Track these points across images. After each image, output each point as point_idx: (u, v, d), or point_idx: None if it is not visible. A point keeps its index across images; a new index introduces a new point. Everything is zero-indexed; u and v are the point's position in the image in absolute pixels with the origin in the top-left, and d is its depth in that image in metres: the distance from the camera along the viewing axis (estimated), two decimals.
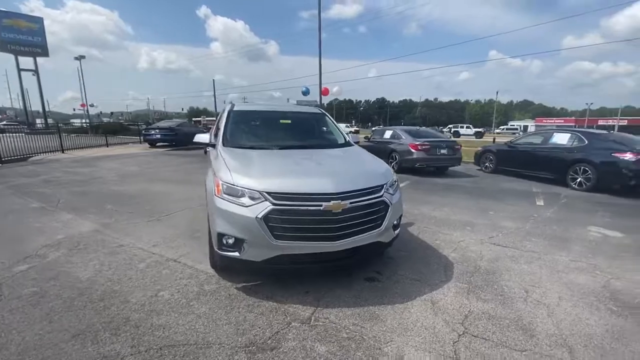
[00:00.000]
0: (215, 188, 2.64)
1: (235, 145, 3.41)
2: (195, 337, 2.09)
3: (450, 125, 47.82)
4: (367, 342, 2.10)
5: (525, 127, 68.41)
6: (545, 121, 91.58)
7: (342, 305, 2.52)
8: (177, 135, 15.65)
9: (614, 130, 30.55)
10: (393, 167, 8.44)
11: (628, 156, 6.30)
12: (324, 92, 16.46)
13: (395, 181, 3.02)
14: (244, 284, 2.76)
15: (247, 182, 2.53)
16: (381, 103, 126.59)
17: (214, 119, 11.88)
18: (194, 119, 56.01)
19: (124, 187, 6.78)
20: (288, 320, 2.30)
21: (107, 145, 16.31)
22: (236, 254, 2.54)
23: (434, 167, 9.23)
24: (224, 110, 4.18)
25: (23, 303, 2.42)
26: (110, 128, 23.17)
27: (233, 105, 4.16)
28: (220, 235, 2.56)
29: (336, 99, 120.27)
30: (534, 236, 4.12)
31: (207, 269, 3.02)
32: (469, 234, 4.15)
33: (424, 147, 8.62)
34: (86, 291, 2.59)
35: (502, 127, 74.39)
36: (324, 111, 4.66)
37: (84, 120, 40.21)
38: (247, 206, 2.44)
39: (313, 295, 2.63)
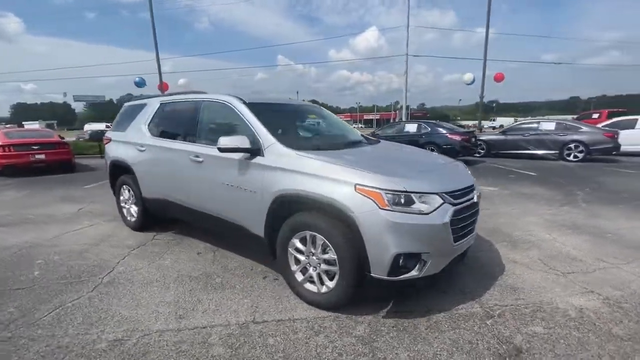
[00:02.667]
0: (373, 200, 1.99)
1: (306, 148, 2.56)
2: None
3: None
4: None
5: None
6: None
7: (485, 285, 2.62)
8: None
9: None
10: None
11: (455, 137, 9.32)
12: (164, 87, 13.67)
13: None
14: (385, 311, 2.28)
15: (417, 186, 2.08)
16: None
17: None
18: None
19: None
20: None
21: None
22: (414, 273, 2.06)
23: None
24: (222, 103, 2.97)
25: None
26: None
27: (242, 99, 2.96)
28: (398, 257, 1.99)
29: (129, 95, 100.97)
30: None
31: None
32: None
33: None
34: None
35: None
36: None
37: None
38: (427, 213, 2.03)
39: (469, 295, 2.54)
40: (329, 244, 2.18)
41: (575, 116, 23.29)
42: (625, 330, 2.08)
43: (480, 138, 11.58)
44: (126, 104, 4.39)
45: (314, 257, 2.32)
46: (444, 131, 9.77)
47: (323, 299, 2.29)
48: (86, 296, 2.57)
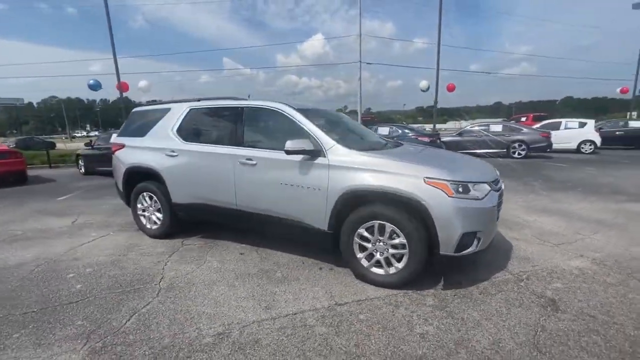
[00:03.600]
0: (443, 190, 2.41)
1: (359, 149, 2.89)
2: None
3: None
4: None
5: None
6: None
7: (505, 258, 3.19)
8: None
9: None
10: None
11: (424, 139, 10.30)
12: (123, 88, 12.67)
13: None
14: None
15: (471, 177, 2.56)
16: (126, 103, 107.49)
17: None
18: None
19: None
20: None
21: None
22: (472, 249, 2.51)
23: None
24: (277, 112, 3.18)
25: None
26: None
27: (291, 105, 3.15)
28: (463, 236, 2.43)
29: (54, 98, 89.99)
30: None
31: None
32: None
33: None
34: None
35: None
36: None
37: None
38: (480, 199, 2.50)
39: (497, 266, 3.09)
40: (397, 230, 2.55)
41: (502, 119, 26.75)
42: (615, 279, 2.77)
43: (443, 140, 12.87)
44: (138, 109, 4.27)
45: (381, 244, 2.66)
46: (413, 134, 10.73)
47: (392, 279, 2.64)
48: (155, 301, 2.58)
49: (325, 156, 2.81)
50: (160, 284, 2.87)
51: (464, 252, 2.48)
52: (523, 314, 2.31)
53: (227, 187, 3.30)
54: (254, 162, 3.12)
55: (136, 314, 2.41)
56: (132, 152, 3.99)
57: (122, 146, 4.12)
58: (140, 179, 3.98)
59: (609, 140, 14.03)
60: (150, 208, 3.97)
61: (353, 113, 20.36)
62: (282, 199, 3.02)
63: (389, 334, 2.12)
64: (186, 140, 3.59)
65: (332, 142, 2.85)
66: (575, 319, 2.23)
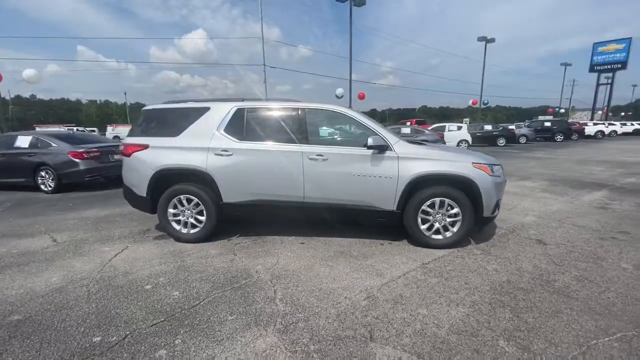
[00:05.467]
0: (485, 171, 3.43)
1: (412, 143, 3.68)
2: None
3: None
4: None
5: None
6: None
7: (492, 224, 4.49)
8: None
9: None
10: (47, 187, 7.18)
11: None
12: None
13: None
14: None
15: (493, 161, 3.66)
16: None
17: None
18: None
19: None
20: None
21: None
22: (497, 211, 3.64)
23: (107, 177, 7.66)
24: (341, 114, 3.74)
25: None
26: None
27: (349, 108, 3.68)
28: (496, 202, 3.52)
29: None
30: None
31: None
32: None
33: (92, 154, 7.22)
34: None
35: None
36: None
37: None
38: (499, 176, 3.63)
39: (494, 228, 4.33)
40: (453, 203, 3.46)
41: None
42: (556, 224, 4.39)
43: None
44: (151, 108, 3.96)
45: (439, 215, 3.53)
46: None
47: (448, 242, 3.52)
48: (279, 287, 2.75)
49: (392, 150, 3.49)
50: (263, 275, 2.99)
51: (494, 214, 3.58)
52: (532, 247, 3.56)
53: (295, 181, 3.57)
54: (325, 157, 3.52)
55: (277, 299, 2.57)
56: (162, 153, 3.70)
57: (145, 147, 3.74)
58: (173, 182, 3.73)
59: (473, 140, 18.77)
60: (187, 212, 3.77)
61: None
62: (354, 188, 3.53)
63: (477, 273, 2.99)
64: (241, 140, 3.64)
65: (397, 139, 3.55)
66: (557, 246, 3.59)
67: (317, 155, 3.53)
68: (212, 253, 3.54)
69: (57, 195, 7.01)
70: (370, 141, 3.35)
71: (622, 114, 64.77)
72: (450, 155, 3.56)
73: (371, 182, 3.50)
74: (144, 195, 3.78)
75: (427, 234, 3.56)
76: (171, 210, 3.78)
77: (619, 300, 2.50)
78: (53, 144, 7.12)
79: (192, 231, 3.80)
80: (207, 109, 3.77)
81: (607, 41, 40.74)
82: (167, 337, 2.13)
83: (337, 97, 19.14)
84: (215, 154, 3.61)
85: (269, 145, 3.61)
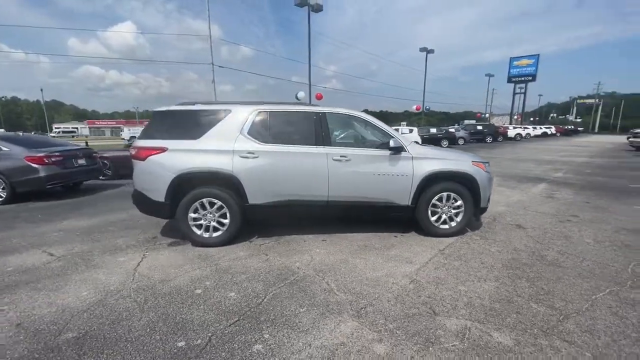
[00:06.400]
0: (481, 168, 4.03)
1: (422, 144, 4.12)
2: None
3: None
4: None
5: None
6: (98, 123, 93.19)
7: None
8: None
9: None
10: None
11: None
12: None
13: None
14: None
15: (483, 159, 4.30)
16: None
17: None
18: None
19: None
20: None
21: None
22: (489, 203, 4.28)
23: (70, 183, 7.22)
24: (351, 116, 4.01)
25: None
26: None
27: (365, 113, 3.99)
28: (489, 195, 4.14)
29: None
30: None
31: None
32: None
33: (54, 159, 6.39)
34: None
35: (56, 129, 69.30)
36: None
37: None
38: (489, 172, 4.28)
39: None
40: (457, 197, 4.00)
41: None
42: (524, 212, 5.26)
43: None
44: (165, 109, 3.81)
45: (446, 208, 4.04)
46: None
47: (453, 230, 4.06)
48: (330, 279, 2.95)
49: (407, 151, 3.90)
50: (307, 271, 3.15)
51: (488, 204, 4.22)
52: (515, 231, 4.28)
53: (320, 181, 3.77)
54: (348, 158, 3.79)
55: (335, 290, 2.77)
56: (183, 156, 3.59)
57: (163, 150, 3.60)
58: (194, 186, 3.65)
59: (422, 141, 20.52)
60: (209, 215, 3.72)
61: None
62: (375, 187, 3.86)
63: (486, 254, 3.54)
64: (265, 142, 3.72)
65: (410, 141, 3.97)
66: (533, 229, 4.36)
67: (341, 156, 3.78)
68: (241, 255, 3.56)
69: (10, 206, 6.08)
70: (392, 143, 3.73)
71: (531, 119, 76.00)
72: (454, 155, 4.11)
73: (390, 180, 3.86)
74: (162, 200, 3.63)
75: (436, 224, 4.05)
76: (192, 215, 3.69)
77: (596, 266, 3.23)
78: (3, 148, 6.15)
79: (214, 235, 3.75)
80: (229, 111, 3.77)
81: (520, 56, 47.72)
82: (253, 333, 2.21)
83: (298, 99, 19.39)
84: (241, 157, 3.64)
85: (294, 147, 3.76)
